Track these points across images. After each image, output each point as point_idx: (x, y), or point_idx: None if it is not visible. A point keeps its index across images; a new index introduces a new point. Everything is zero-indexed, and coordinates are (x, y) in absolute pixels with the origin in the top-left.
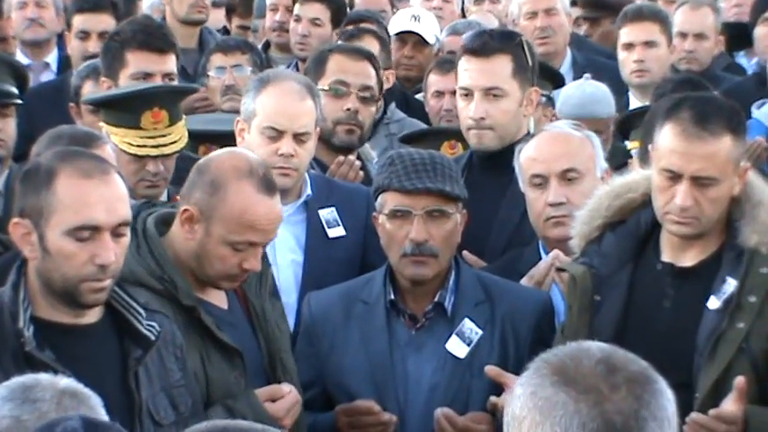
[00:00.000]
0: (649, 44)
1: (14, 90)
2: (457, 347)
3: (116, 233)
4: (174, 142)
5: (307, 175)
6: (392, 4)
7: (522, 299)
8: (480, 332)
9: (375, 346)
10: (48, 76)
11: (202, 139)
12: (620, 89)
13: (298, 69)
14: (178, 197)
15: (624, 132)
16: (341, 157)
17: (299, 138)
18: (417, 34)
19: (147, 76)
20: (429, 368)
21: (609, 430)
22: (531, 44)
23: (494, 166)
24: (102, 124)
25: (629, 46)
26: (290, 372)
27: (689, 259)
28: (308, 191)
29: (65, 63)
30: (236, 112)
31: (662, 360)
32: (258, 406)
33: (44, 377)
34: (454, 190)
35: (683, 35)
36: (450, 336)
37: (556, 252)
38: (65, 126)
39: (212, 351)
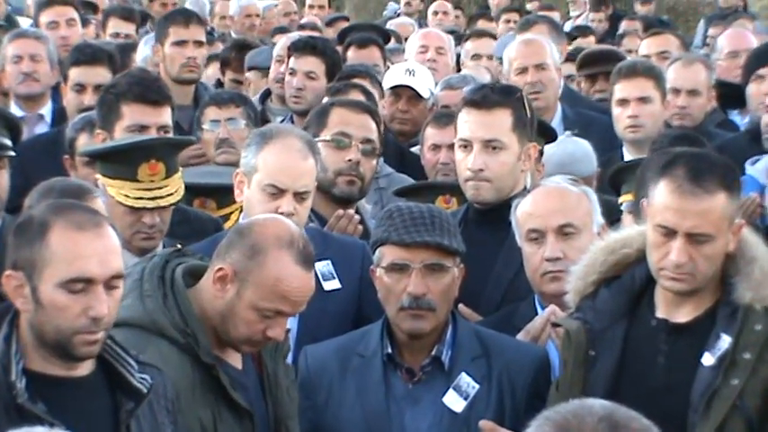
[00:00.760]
0: (643, 100)
1: (8, 142)
2: (454, 402)
3: (109, 285)
4: (171, 194)
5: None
6: (385, 59)
7: (519, 354)
8: (477, 386)
9: (371, 399)
10: (42, 128)
11: (197, 192)
12: (612, 144)
13: (293, 122)
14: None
15: (615, 186)
16: (340, 211)
17: (299, 196)
18: (412, 88)
19: (142, 128)
20: (426, 422)
21: None
22: (530, 100)
23: (490, 221)
24: (98, 176)
25: (624, 102)
26: None
27: (683, 315)
28: None
29: (59, 115)
30: (231, 164)
31: (656, 416)
32: None
33: (40, 430)
34: (452, 244)
35: (677, 91)
36: (447, 390)
37: (552, 307)
38: (56, 179)
39: (224, 410)
